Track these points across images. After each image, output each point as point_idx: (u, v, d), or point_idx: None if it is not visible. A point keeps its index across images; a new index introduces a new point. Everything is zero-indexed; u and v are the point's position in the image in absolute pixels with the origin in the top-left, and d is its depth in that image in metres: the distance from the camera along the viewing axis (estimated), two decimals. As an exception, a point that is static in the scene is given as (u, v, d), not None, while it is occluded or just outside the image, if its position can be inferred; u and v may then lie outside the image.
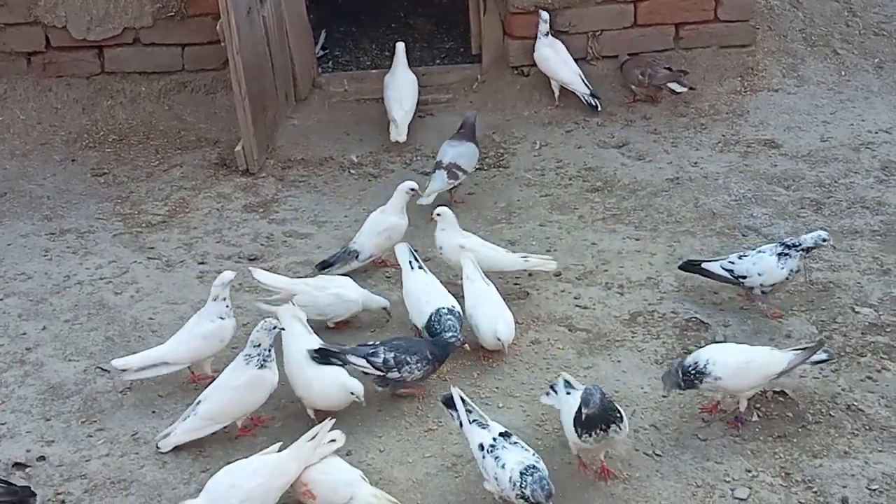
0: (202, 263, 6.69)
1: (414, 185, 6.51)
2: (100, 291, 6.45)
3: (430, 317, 5.70)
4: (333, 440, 4.93)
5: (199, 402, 5.23)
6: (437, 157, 7.25)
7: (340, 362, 5.39)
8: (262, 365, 5.20)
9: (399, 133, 7.83)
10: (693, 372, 5.11)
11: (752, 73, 8.43)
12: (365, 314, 6.07)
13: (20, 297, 6.44)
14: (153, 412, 5.51)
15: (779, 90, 8.30)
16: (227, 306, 5.61)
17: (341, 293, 5.94)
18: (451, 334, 5.56)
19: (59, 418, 5.50)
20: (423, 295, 5.84)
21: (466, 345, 5.62)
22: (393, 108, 7.94)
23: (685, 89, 8.12)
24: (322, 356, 5.38)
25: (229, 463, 4.86)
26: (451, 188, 7.18)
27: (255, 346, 5.21)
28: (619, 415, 4.85)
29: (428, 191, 7.03)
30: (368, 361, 5.40)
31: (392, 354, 5.40)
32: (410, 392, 5.52)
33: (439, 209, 6.29)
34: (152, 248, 6.85)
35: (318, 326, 5.84)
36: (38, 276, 6.62)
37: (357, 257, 6.40)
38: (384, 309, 6.02)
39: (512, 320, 5.74)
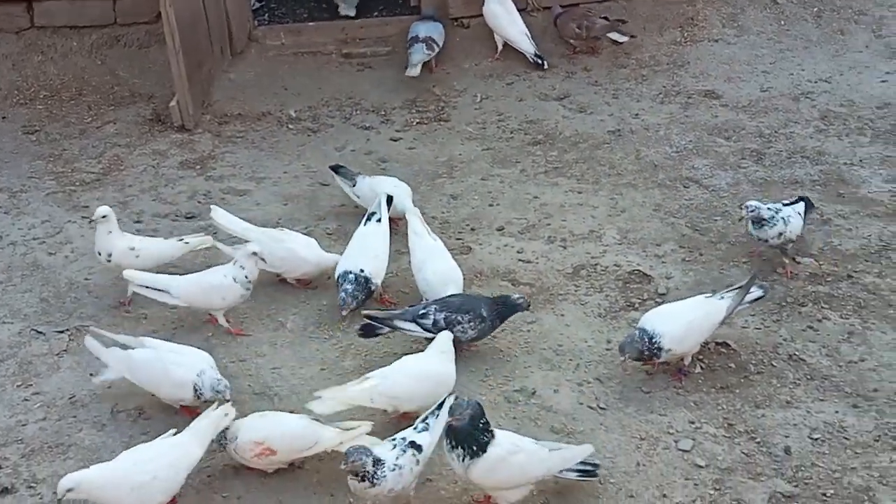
0: (138, 222, 6.56)
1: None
2: (33, 252, 6.31)
3: (337, 279, 5.63)
4: (226, 414, 4.78)
5: (144, 345, 5.14)
6: (409, 34, 7.95)
7: (389, 328, 5.29)
8: (235, 279, 5.43)
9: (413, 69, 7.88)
10: (651, 348, 5.08)
11: (693, 23, 8.41)
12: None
13: (-49, 258, 6.29)
14: (91, 375, 5.39)
15: (719, 40, 8.29)
16: (246, 277, 5.53)
17: (295, 249, 5.84)
18: (517, 296, 5.43)
19: (-8, 382, 5.39)
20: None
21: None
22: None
23: (626, 38, 8.07)
24: (366, 330, 5.27)
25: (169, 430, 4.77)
26: (430, 59, 7.85)
27: (240, 267, 5.45)
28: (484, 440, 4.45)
29: (412, 62, 7.76)
30: (418, 324, 5.28)
31: (443, 315, 5.27)
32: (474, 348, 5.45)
33: (101, 209, 5.85)
34: (86, 206, 6.69)
35: (270, 278, 5.87)
36: (-32, 237, 6.47)
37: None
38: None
39: (461, 278, 5.68)
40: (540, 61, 8.00)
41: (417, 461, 4.52)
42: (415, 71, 7.76)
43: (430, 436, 4.60)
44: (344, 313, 5.52)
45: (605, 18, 8.05)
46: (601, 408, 5.11)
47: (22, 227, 6.54)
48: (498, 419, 5.05)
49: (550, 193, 6.71)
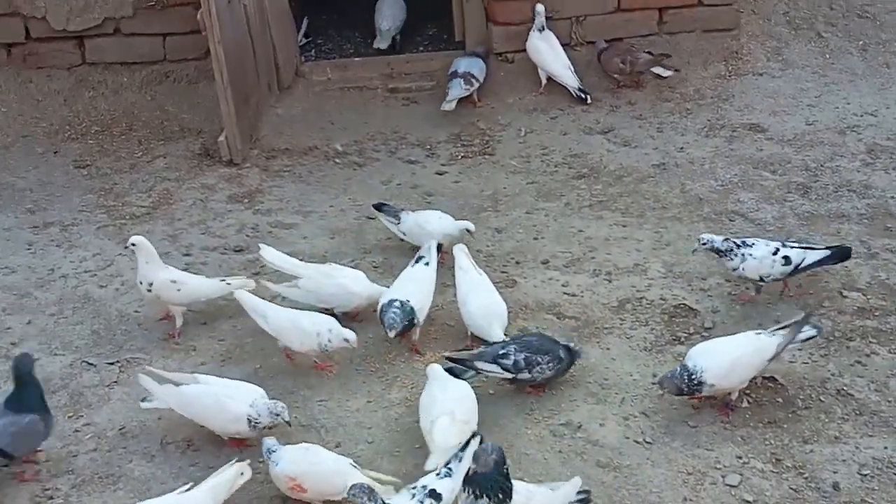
0: (187, 255, 6.64)
1: None
2: (84, 284, 6.41)
3: (382, 307, 5.64)
4: (242, 473, 4.80)
5: (196, 379, 5.19)
6: (450, 69, 8.06)
7: (473, 371, 5.30)
8: (250, 419, 5.04)
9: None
10: (690, 383, 5.08)
11: (737, 57, 8.41)
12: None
13: (4, 291, 6.39)
14: (141, 400, 5.45)
15: (763, 74, 8.28)
16: (329, 341, 5.46)
17: (346, 284, 5.89)
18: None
19: (46, 413, 5.46)
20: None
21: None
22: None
23: (671, 73, 8.09)
24: (451, 373, 5.24)
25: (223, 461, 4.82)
26: (468, 94, 7.95)
27: (258, 413, 5.04)
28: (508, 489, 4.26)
29: (449, 97, 7.87)
30: (499, 364, 5.30)
31: (523, 355, 5.29)
32: (535, 392, 5.45)
33: (133, 238, 5.93)
34: (137, 240, 6.79)
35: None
36: (22, 270, 6.57)
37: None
38: None
39: (505, 311, 5.71)
40: (583, 95, 8.04)
41: None
42: (450, 105, 7.87)
43: (452, 481, 4.53)
44: (391, 334, 5.52)
45: (649, 53, 8.08)
46: (647, 442, 5.11)
47: (73, 259, 6.64)
48: (544, 453, 5.07)
49: (595, 227, 6.73)
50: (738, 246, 5.81)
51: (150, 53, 8.36)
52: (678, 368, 5.15)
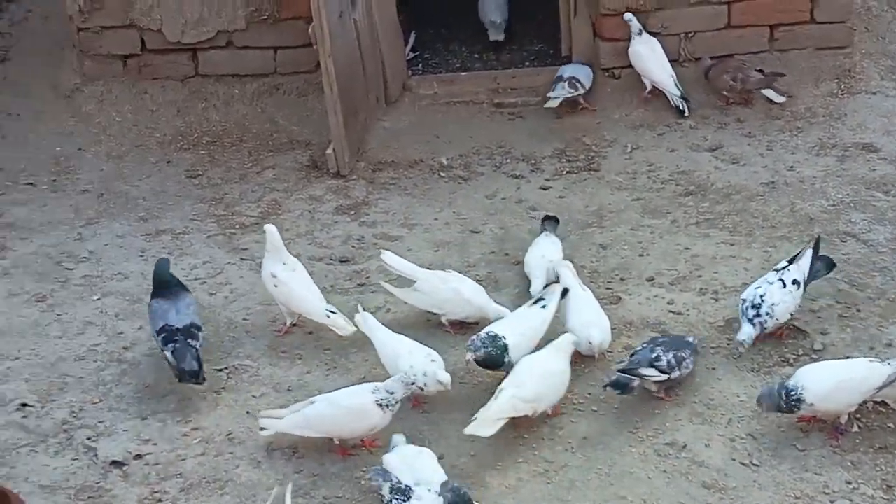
0: (294, 265, 6.74)
1: None
2: (195, 292, 6.51)
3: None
4: None
5: (312, 402, 5.23)
6: (554, 75, 8.13)
7: (637, 378, 5.31)
8: (380, 404, 5.12)
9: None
10: (789, 400, 5.03)
11: (850, 75, 8.26)
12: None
13: (117, 296, 6.55)
14: (247, 412, 5.56)
15: (877, 93, 8.12)
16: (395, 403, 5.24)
17: (460, 290, 5.92)
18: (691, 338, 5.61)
19: (156, 417, 5.58)
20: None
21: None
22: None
23: (783, 99, 7.94)
24: (620, 385, 5.29)
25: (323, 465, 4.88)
26: (573, 97, 8.00)
27: (388, 392, 5.14)
28: None
29: (551, 94, 7.95)
30: (655, 367, 5.32)
31: (671, 354, 5.34)
32: (666, 397, 5.46)
33: (266, 226, 6.09)
34: (246, 249, 6.91)
35: (424, 324, 6.00)
36: (134, 276, 6.72)
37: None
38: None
39: (608, 326, 5.69)
40: (682, 106, 7.96)
41: None
42: (552, 103, 7.95)
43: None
44: (468, 357, 5.48)
45: (761, 72, 7.95)
46: (754, 464, 5.04)
47: (184, 267, 6.77)
48: (648, 472, 5.04)
49: (702, 245, 6.66)
50: (757, 313, 5.61)
51: (262, 66, 8.50)
52: (777, 385, 5.11)
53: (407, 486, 4.70)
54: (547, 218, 6.64)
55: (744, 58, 8.14)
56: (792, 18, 8.27)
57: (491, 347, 5.44)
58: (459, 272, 6.34)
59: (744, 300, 5.71)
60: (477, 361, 5.46)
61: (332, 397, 5.24)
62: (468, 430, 5.11)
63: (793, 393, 5.01)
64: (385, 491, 4.67)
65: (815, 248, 5.90)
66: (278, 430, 5.23)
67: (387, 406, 5.12)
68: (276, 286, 5.99)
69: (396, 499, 4.66)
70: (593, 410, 5.42)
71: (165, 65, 8.53)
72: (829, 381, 5.04)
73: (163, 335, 5.66)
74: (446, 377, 5.38)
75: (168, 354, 5.60)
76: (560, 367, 5.35)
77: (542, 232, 6.53)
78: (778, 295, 5.66)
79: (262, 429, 5.29)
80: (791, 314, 5.72)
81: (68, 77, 8.64)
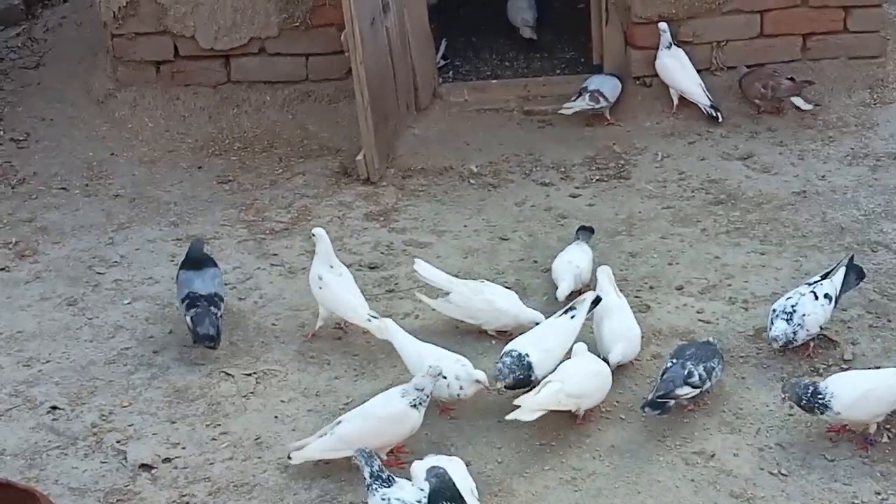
0: (324, 271, 6.76)
1: None
2: (225, 297, 6.56)
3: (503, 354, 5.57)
4: None
5: (340, 422, 5.20)
6: (581, 84, 8.11)
7: (673, 400, 5.30)
8: (414, 405, 5.14)
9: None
10: (813, 401, 5.03)
11: (882, 84, 8.21)
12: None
13: (147, 300, 6.59)
14: (276, 417, 5.58)
15: (910, 102, 8.08)
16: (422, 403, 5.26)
17: (493, 301, 5.92)
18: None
19: (185, 421, 5.61)
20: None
21: None
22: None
23: (811, 107, 7.91)
24: (660, 408, 5.28)
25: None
26: (591, 110, 7.96)
27: (417, 389, 5.16)
28: None
29: (569, 105, 7.98)
30: (689, 385, 5.31)
31: (701, 367, 5.33)
32: (694, 406, 5.46)
33: (315, 230, 6.10)
34: (275, 254, 6.94)
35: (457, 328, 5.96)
36: (164, 281, 6.76)
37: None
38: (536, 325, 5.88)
39: (638, 336, 5.67)
40: (715, 114, 7.95)
41: None
42: (567, 111, 8.00)
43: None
44: (498, 385, 5.46)
45: (791, 80, 7.93)
46: (783, 474, 5.01)
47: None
48: (675, 481, 5.02)
49: (732, 254, 6.63)
50: (789, 320, 5.60)
51: (293, 73, 8.53)
52: (809, 382, 5.10)
53: (389, 474, 4.75)
54: (582, 228, 6.62)
55: (776, 66, 8.11)
56: (825, 28, 8.23)
57: (518, 371, 5.43)
58: (488, 280, 6.34)
59: (774, 310, 5.68)
60: (507, 387, 5.46)
61: (363, 411, 5.20)
62: (510, 416, 5.19)
63: (820, 396, 5.01)
64: (366, 474, 4.73)
65: (849, 266, 5.85)
66: (309, 458, 5.18)
67: (420, 404, 5.14)
68: (320, 288, 6.02)
69: (376, 483, 4.71)
70: (621, 418, 5.41)
71: (198, 71, 8.57)
72: (857, 390, 5.02)
73: (186, 301, 6.00)
74: (482, 374, 5.42)
75: (188, 319, 5.92)
76: (606, 369, 5.45)
77: (574, 241, 6.52)
78: (810, 306, 5.63)
79: (288, 457, 5.24)
80: (821, 327, 5.68)
81: (101, 83, 8.72)
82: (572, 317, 5.71)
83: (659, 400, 5.26)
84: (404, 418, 5.13)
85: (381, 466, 4.73)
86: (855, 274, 5.88)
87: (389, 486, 4.71)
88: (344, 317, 6.04)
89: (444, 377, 5.32)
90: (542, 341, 5.58)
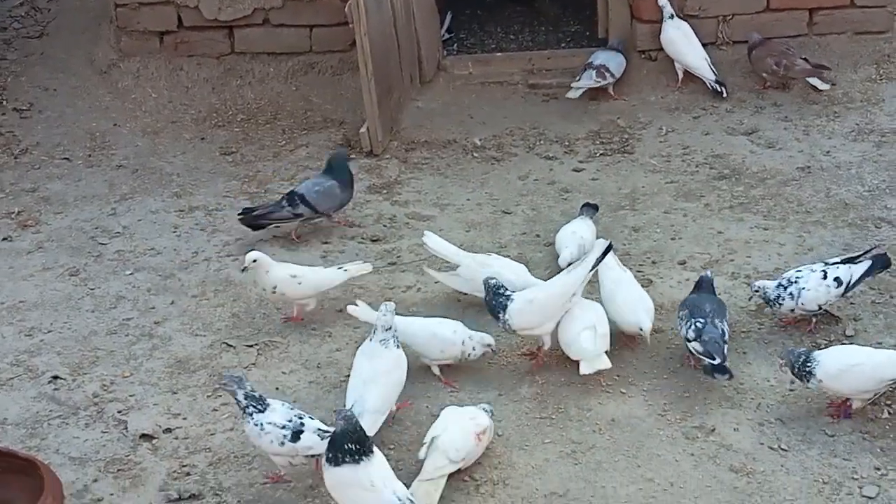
0: (326, 243, 6.76)
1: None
2: (226, 268, 6.56)
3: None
4: None
5: (356, 402, 5.10)
6: (586, 60, 8.06)
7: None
8: (398, 345, 5.24)
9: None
10: (802, 368, 5.05)
11: (889, 60, 8.18)
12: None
13: (149, 271, 6.59)
14: (276, 388, 5.57)
15: (916, 78, 8.04)
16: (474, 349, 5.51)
17: (502, 273, 5.89)
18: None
19: (186, 392, 5.61)
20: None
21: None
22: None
23: (828, 86, 7.84)
24: (725, 370, 5.27)
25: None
26: (599, 86, 7.94)
27: (386, 330, 5.21)
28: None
29: (575, 85, 7.96)
30: (726, 342, 5.35)
31: (725, 322, 5.42)
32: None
33: (251, 254, 5.92)
34: (278, 226, 6.92)
35: (473, 302, 5.96)
36: (167, 252, 6.76)
37: None
38: None
39: (652, 305, 5.65)
40: (720, 88, 7.92)
41: (282, 442, 4.81)
42: (574, 94, 7.99)
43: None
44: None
45: (806, 60, 7.85)
46: (783, 449, 5.01)
47: (217, 244, 6.81)
48: (675, 455, 5.02)
49: (735, 229, 6.62)
50: (786, 286, 5.60)
51: (297, 44, 8.51)
52: (804, 350, 5.14)
53: (262, 395, 4.90)
54: (587, 204, 6.58)
55: (789, 43, 8.03)
56: (832, 2, 8.21)
57: (492, 296, 5.55)
58: (490, 254, 6.32)
59: (784, 275, 5.72)
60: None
61: (368, 377, 5.20)
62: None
63: (809, 364, 5.04)
64: (240, 397, 4.87)
65: (876, 262, 5.74)
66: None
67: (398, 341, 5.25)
68: (300, 283, 5.95)
69: (252, 405, 4.87)
70: (622, 392, 5.41)
71: (202, 42, 8.56)
72: (842, 363, 5.03)
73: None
74: (491, 338, 5.52)
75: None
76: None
77: (578, 216, 6.50)
78: (813, 282, 5.61)
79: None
80: (820, 306, 5.65)
81: (105, 53, 8.70)
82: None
83: (726, 363, 5.27)
84: (402, 360, 5.23)
85: (252, 387, 4.92)
86: (881, 265, 5.79)
87: (263, 411, 4.87)
88: (330, 286, 6.03)
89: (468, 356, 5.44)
90: (534, 291, 5.64)
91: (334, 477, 4.56)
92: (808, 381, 5.07)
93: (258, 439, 4.89)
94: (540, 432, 5.19)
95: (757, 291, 5.73)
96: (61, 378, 5.75)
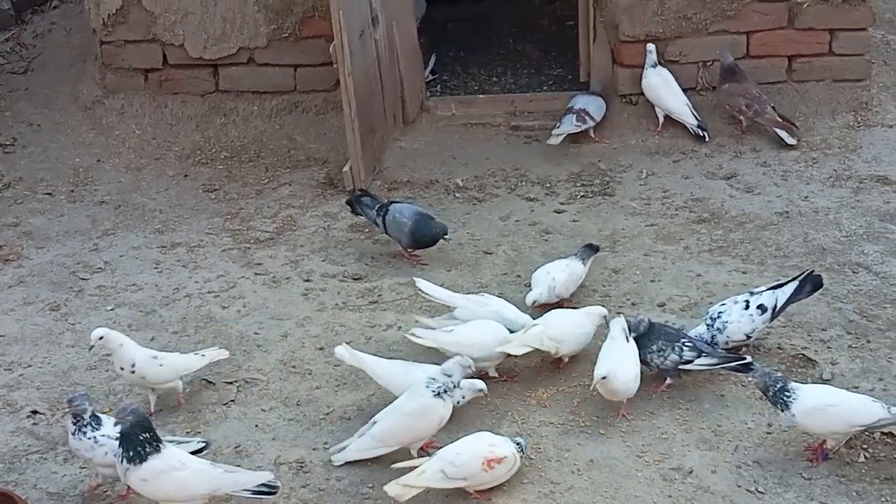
0: (307, 281, 6.78)
1: None
2: (208, 305, 6.57)
3: None
4: None
5: (375, 422, 5.21)
6: (566, 105, 8.11)
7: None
8: (439, 393, 5.17)
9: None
10: (779, 395, 5.10)
11: (866, 108, 8.28)
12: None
13: (130, 307, 6.60)
14: (256, 426, 5.58)
15: (893, 126, 8.11)
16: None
17: (501, 311, 5.93)
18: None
19: (165, 428, 5.59)
20: None
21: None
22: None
23: (795, 141, 7.92)
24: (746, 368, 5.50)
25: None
26: (580, 131, 7.98)
27: (445, 375, 5.21)
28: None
29: (556, 131, 7.96)
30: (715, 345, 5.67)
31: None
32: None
33: (96, 332, 5.58)
34: (260, 264, 6.95)
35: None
36: (148, 288, 6.77)
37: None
38: None
39: (636, 377, 5.51)
40: (702, 133, 8.01)
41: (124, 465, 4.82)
42: (555, 140, 7.97)
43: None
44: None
45: (774, 109, 7.96)
46: (759, 491, 5.03)
47: (198, 280, 6.82)
48: (653, 496, 5.04)
49: (714, 272, 6.67)
50: (712, 323, 5.78)
51: (281, 83, 8.56)
52: (783, 378, 5.19)
53: (97, 415, 5.07)
54: (588, 245, 6.61)
55: (763, 88, 8.12)
56: (810, 50, 8.30)
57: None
58: (470, 293, 6.35)
59: (708, 312, 5.89)
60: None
61: (392, 408, 5.23)
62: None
63: (787, 394, 5.08)
64: (87, 416, 5.02)
65: (805, 278, 5.93)
66: (349, 459, 5.22)
67: (446, 392, 5.17)
68: (161, 365, 5.68)
69: (91, 425, 5.02)
70: (600, 433, 5.43)
71: (186, 79, 8.60)
72: (818, 402, 5.08)
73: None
74: (482, 384, 5.52)
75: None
76: (586, 328, 5.82)
77: (572, 255, 6.52)
78: (735, 314, 5.77)
79: (330, 460, 5.30)
80: (747, 335, 5.78)
81: (89, 89, 8.74)
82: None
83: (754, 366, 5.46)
84: (430, 411, 5.16)
85: (96, 409, 5.12)
86: (811, 285, 5.94)
87: (98, 429, 5.04)
88: (188, 371, 5.77)
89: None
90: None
91: (145, 472, 4.73)
92: (782, 410, 5.10)
93: (89, 452, 5.03)
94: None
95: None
96: (40, 413, 5.74)
